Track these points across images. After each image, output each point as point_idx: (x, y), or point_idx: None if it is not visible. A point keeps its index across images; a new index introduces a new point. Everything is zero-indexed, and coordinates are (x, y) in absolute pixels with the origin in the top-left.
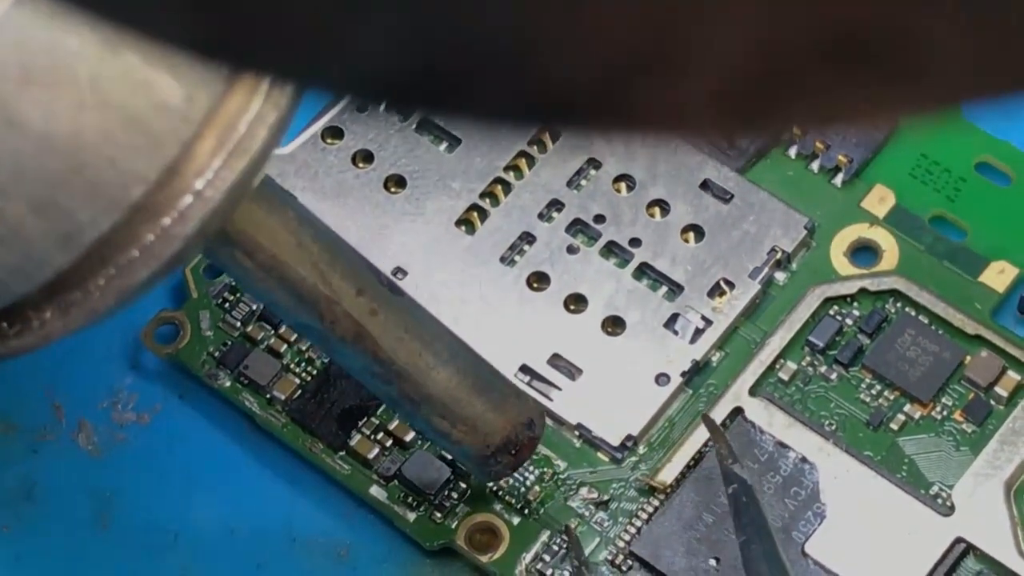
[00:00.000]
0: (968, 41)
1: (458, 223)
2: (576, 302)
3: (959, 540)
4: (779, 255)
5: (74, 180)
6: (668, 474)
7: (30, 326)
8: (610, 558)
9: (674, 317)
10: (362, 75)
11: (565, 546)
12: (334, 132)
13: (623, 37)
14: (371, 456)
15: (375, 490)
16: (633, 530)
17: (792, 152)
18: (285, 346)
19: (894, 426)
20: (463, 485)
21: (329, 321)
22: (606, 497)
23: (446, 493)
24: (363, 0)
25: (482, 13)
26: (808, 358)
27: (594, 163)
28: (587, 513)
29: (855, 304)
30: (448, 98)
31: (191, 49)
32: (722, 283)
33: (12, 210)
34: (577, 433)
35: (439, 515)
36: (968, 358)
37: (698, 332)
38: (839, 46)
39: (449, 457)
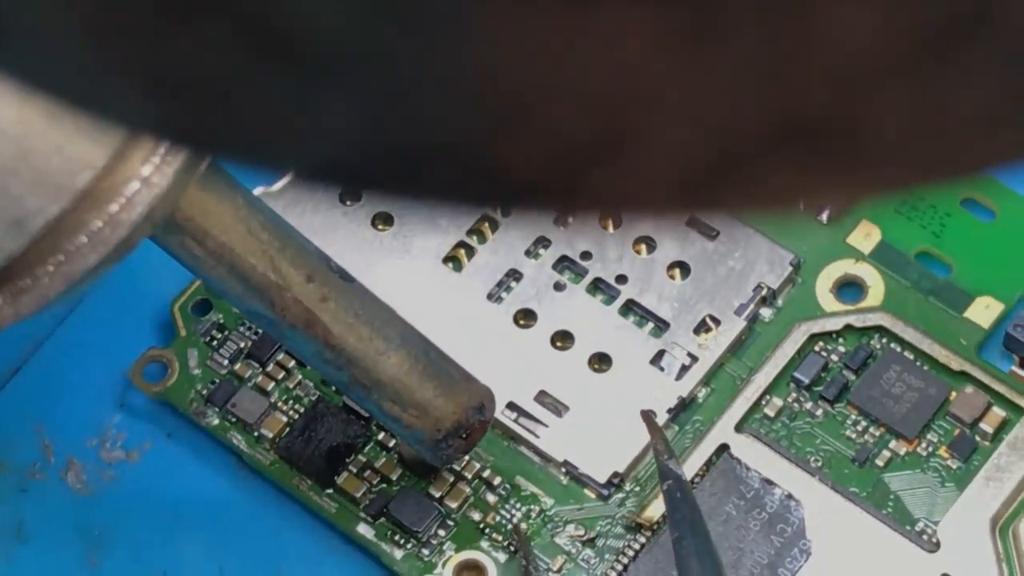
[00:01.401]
0: (913, 129)
1: (445, 260)
2: (563, 339)
3: None
4: (765, 291)
5: (21, 167)
6: (655, 511)
7: None
8: None
9: (660, 354)
10: (313, 160)
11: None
12: None
13: (573, 127)
14: (358, 494)
15: (362, 528)
16: (620, 567)
17: None
18: (272, 384)
19: (880, 462)
20: (450, 523)
21: (280, 308)
22: (593, 534)
23: (433, 531)
24: (315, 92)
25: (430, 105)
26: (794, 394)
27: None
28: (574, 550)
29: (841, 340)
30: (397, 183)
31: (145, 131)
32: (708, 320)
33: None
34: (564, 470)
35: (426, 552)
36: (953, 394)
37: (684, 369)
38: (788, 134)
39: (437, 495)
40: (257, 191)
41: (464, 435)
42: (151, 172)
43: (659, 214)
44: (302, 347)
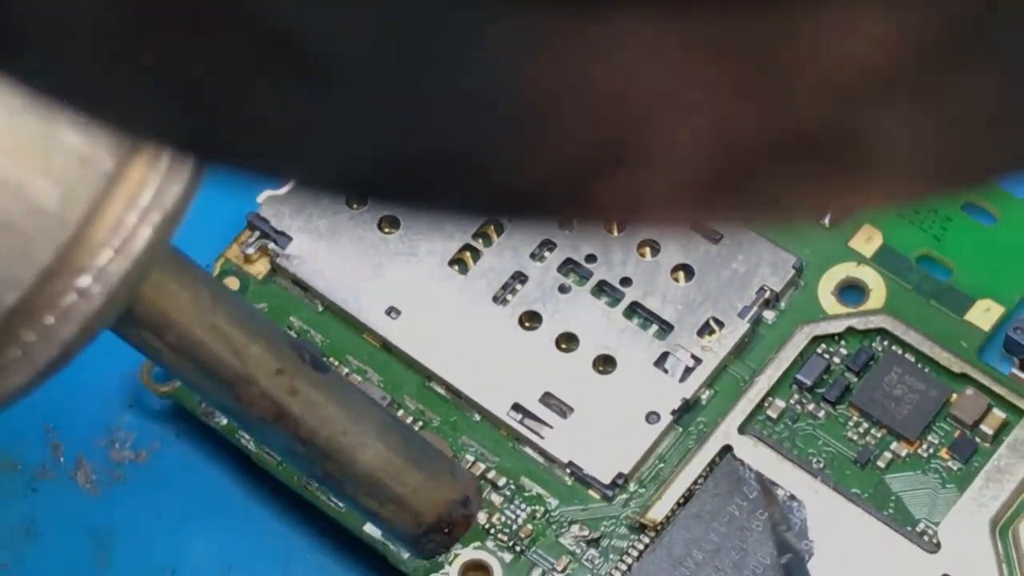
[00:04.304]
0: (919, 141)
1: (451, 263)
2: (567, 341)
3: None
4: (768, 294)
5: None
6: (659, 511)
7: None
8: None
9: (664, 356)
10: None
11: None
12: None
13: (579, 138)
14: None
15: (369, 527)
16: (624, 567)
17: None
18: None
19: (881, 464)
20: None
21: (246, 402)
22: (597, 534)
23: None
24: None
25: (438, 116)
26: (796, 396)
27: None
28: (578, 550)
29: (843, 343)
30: (404, 193)
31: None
32: (712, 322)
33: None
34: (568, 471)
35: None
36: (954, 396)
37: (688, 371)
38: (793, 147)
39: None
40: (263, 196)
41: (447, 530)
42: (89, 284)
43: (663, 224)
44: (273, 440)
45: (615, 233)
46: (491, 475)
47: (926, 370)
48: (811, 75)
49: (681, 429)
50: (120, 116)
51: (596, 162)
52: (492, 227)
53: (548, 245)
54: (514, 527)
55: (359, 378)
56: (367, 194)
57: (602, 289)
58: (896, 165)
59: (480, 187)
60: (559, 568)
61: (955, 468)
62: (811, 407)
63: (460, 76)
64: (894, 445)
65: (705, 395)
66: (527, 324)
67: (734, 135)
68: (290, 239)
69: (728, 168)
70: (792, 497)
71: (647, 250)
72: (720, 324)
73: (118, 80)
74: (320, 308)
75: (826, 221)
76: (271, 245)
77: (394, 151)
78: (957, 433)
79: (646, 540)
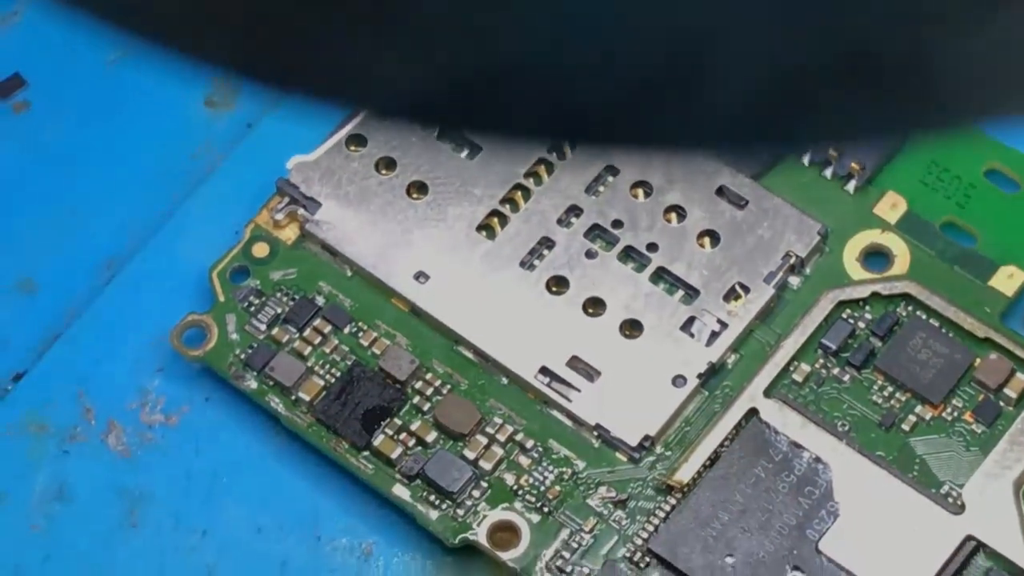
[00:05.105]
0: (973, 63)
1: (479, 228)
2: (594, 305)
3: (969, 538)
4: (793, 260)
5: None
6: (685, 473)
7: None
8: (628, 555)
9: (690, 320)
10: (394, 95)
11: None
12: (358, 140)
13: (641, 62)
14: (394, 456)
15: (398, 489)
16: (651, 528)
17: (806, 159)
18: (309, 348)
19: (905, 427)
20: (484, 484)
21: None
22: (624, 496)
23: (468, 492)
24: (394, 26)
25: (510, 41)
26: (821, 360)
27: (612, 170)
28: (606, 512)
29: (867, 308)
30: (476, 115)
31: (238, 71)
32: (737, 287)
33: None
34: (596, 434)
35: (461, 513)
36: (978, 360)
37: (714, 335)
38: (850, 68)
39: (471, 457)
40: (292, 162)
41: None
42: None
43: (723, 146)
44: None
45: (641, 199)
46: (519, 438)
47: (950, 335)
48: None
49: (707, 392)
50: (202, 51)
51: (652, 87)
52: (519, 193)
53: (575, 211)
54: (542, 488)
55: (387, 342)
56: (431, 117)
57: (628, 255)
58: (956, 89)
59: (540, 109)
60: (586, 529)
61: (979, 431)
62: (836, 371)
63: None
64: (918, 409)
65: (731, 359)
66: (554, 289)
67: (792, 60)
68: (319, 204)
69: (785, 92)
70: (818, 459)
71: (673, 216)
72: (746, 289)
73: (197, 18)
74: (349, 273)
75: (851, 188)
76: (300, 211)
77: (466, 75)
78: (981, 397)
79: (672, 502)
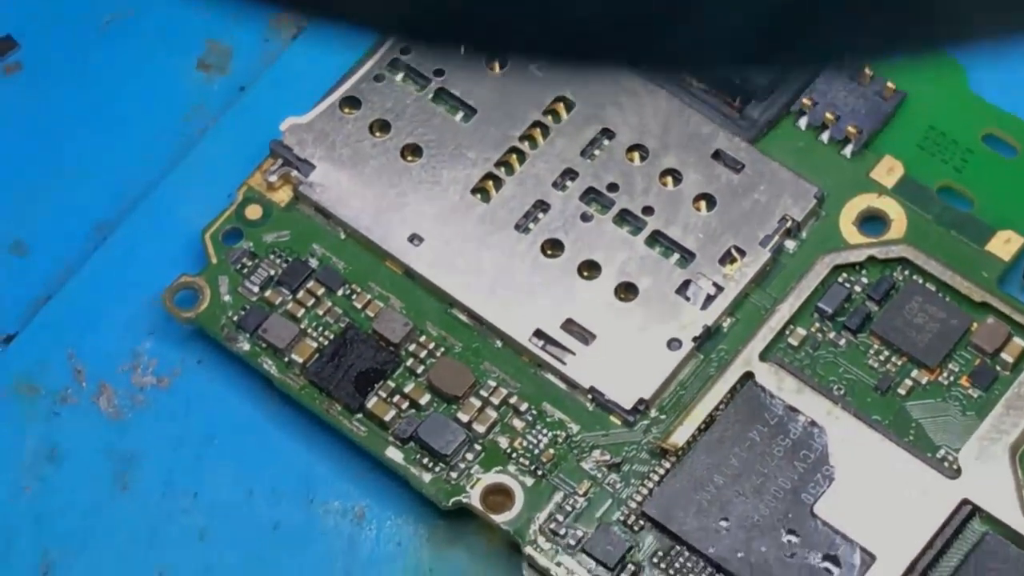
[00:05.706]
0: None
1: (473, 191)
2: (589, 269)
3: (965, 502)
4: (789, 224)
5: None
6: (680, 437)
7: None
8: (622, 519)
9: (686, 284)
10: (408, 15)
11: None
12: (351, 102)
13: None
14: (387, 418)
15: (391, 451)
16: (645, 491)
17: (802, 123)
18: (303, 310)
19: (901, 391)
20: (478, 447)
21: None
22: (618, 459)
23: (461, 455)
24: None
25: None
26: (817, 324)
27: (608, 133)
28: (600, 475)
29: (863, 272)
30: (485, 38)
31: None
32: (733, 251)
33: None
34: (590, 397)
35: (454, 476)
36: (974, 325)
37: (709, 298)
38: None
39: (465, 420)
40: (285, 124)
41: None
42: None
43: (723, 66)
44: None
45: (637, 162)
46: (513, 400)
47: (947, 299)
48: None
49: (702, 356)
50: None
51: (653, 7)
52: (514, 156)
53: (570, 174)
54: (536, 452)
55: (381, 305)
56: (443, 39)
57: (624, 218)
58: (951, 9)
59: (545, 31)
60: (580, 492)
61: (975, 396)
62: (832, 335)
63: None
64: (915, 373)
65: (727, 323)
66: (549, 252)
67: None
68: (313, 167)
69: (786, 11)
70: (813, 423)
71: (669, 179)
72: (742, 253)
73: None
74: (343, 235)
75: (848, 152)
76: (294, 173)
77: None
78: (977, 361)
79: (667, 465)
